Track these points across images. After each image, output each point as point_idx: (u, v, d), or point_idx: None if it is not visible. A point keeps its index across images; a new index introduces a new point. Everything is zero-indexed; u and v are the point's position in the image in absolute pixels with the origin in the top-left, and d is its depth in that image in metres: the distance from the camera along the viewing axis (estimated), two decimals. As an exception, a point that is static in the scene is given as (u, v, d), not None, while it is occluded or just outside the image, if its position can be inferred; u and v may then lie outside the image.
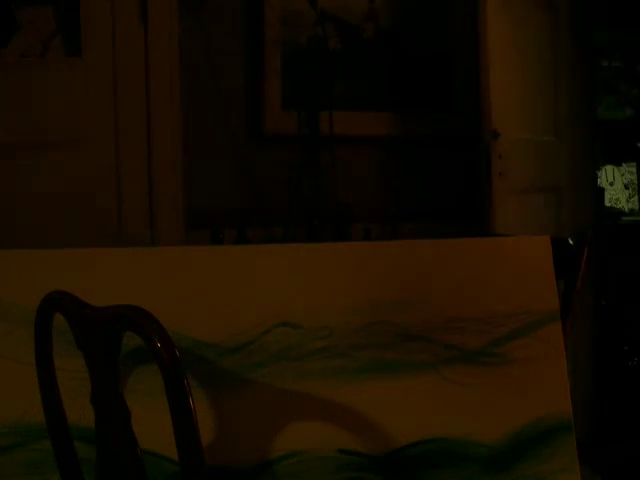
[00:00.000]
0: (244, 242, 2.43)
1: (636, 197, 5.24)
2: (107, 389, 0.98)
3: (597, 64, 5.01)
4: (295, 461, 1.33)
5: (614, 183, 5.24)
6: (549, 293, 1.47)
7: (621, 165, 5.28)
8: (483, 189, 2.85)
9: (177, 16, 2.71)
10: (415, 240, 1.55)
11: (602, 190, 5.08)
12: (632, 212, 5.13)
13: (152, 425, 1.10)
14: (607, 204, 5.13)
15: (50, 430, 1.19)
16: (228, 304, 1.38)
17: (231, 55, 2.85)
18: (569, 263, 1.55)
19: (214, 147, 2.82)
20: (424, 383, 1.39)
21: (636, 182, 5.24)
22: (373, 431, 1.36)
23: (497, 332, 1.43)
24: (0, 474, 1.29)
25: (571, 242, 1.57)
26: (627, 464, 3.12)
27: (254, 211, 2.72)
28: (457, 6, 3.15)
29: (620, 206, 5.18)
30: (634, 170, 5.25)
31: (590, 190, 3.53)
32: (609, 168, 5.26)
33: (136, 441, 0.96)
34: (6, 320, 1.34)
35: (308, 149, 2.75)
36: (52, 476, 1.25)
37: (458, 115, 3.14)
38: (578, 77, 3.34)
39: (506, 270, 1.49)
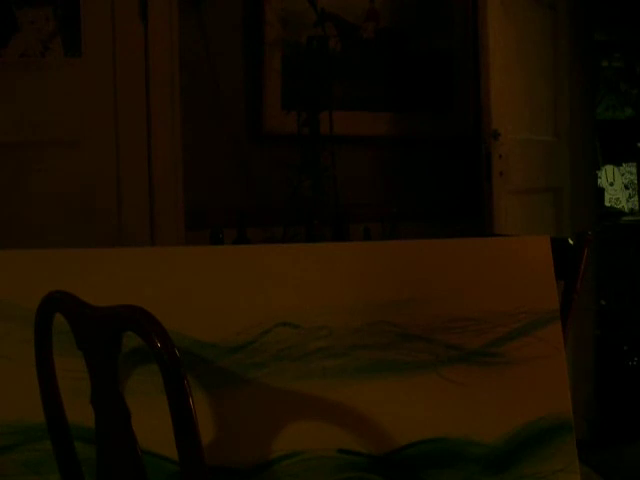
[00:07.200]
0: (244, 242, 2.42)
1: (636, 197, 5.24)
2: (107, 389, 0.98)
3: (597, 64, 5.02)
4: (295, 461, 1.33)
5: (614, 183, 5.24)
6: (549, 293, 1.47)
7: (621, 165, 5.29)
8: (483, 189, 2.85)
9: (177, 16, 2.71)
10: (415, 240, 1.54)
11: (602, 190, 5.09)
12: (632, 212, 5.14)
13: (152, 425, 1.10)
14: (607, 204, 5.13)
15: (50, 430, 1.19)
16: (228, 304, 1.38)
17: (231, 55, 2.85)
18: (569, 263, 1.55)
19: (214, 147, 2.82)
20: (424, 383, 1.39)
21: (636, 182, 5.24)
22: (373, 431, 1.36)
23: (497, 332, 1.43)
24: (0, 474, 1.29)
25: (571, 242, 1.57)
26: (627, 464, 3.12)
27: (254, 211, 2.71)
28: (457, 6, 3.15)
29: (620, 206, 5.19)
30: (634, 170, 5.25)
31: (590, 190, 3.53)
32: (609, 168, 5.26)
33: (136, 441, 0.96)
34: (6, 320, 1.34)
35: (308, 149, 2.75)
36: (52, 476, 1.25)
37: (458, 115, 3.14)
38: (578, 77, 3.34)
39: (506, 270, 1.49)
